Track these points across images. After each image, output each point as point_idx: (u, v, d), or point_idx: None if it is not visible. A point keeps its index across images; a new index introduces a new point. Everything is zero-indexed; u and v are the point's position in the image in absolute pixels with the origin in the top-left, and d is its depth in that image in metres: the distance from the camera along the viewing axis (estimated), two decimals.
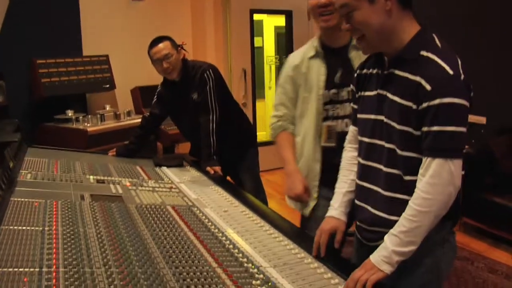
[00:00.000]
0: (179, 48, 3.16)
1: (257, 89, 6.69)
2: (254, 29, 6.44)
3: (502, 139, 4.36)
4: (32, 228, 1.66)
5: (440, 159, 1.43)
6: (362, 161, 1.71)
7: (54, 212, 1.84)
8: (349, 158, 1.83)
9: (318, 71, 2.18)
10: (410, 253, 1.46)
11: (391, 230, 1.48)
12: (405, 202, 1.50)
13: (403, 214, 1.47)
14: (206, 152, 3.02)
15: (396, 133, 1.53)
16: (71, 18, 5.19)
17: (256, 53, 6.58)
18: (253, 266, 1.55)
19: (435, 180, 1.43)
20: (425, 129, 1.45)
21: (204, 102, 3.07)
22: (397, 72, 1.53)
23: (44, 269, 1.35)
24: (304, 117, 2.24)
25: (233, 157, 3.33)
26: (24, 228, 1.65)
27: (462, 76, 1.42)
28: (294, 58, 2.29)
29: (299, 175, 2.21)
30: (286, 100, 2.32)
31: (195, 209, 2.13)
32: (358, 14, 1.50)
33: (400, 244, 1.45)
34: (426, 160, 1.45)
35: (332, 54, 2.18)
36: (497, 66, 4.50)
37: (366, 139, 1.68)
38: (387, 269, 1.45)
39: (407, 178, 1.54)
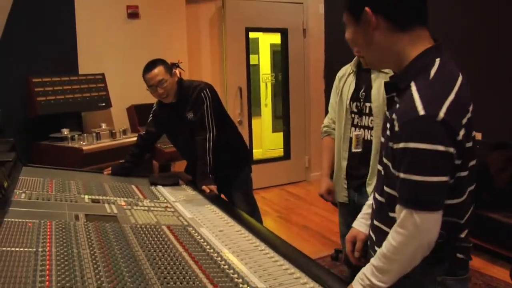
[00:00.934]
0: (174, 71, 3.16)
1: (253, 107, 6.70)
2: (250, 47, 6.47)
3: (498, 154, 4.36)
4: (25, 249, 1.64)
5: (405, 209, 1.31)
6: None
7: (48, 233, 1.82)
8: None
9: (350, 85, 2.62)
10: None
11: (371, 259, 1.44)
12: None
13: (379, 249, 1.41)
14: (202, 170, 3.01)
15: (383, 163, 1.44)
16: (67, 36, 5.20)
17: (252, 71, 6.60)
18: (248, 287, 1.54)
19: (401, 230, 1.33)
20: (395, 173, 1.34)
21: (201, 121, 3.08)
22: (396, 98, 1.43)
23: None
24: (337, 122, 2.71)
25: (227, 176, 3.32)
26: (17, 249, 1.63)
27: (441, 117, 1.24)
28: (340, 71, 2.75)
29: (326, 179, 2.84)
30: (331, 106, 2.82)
31: (191, 228, 2.12)
32: (347, 32, 1.46)
33: (373, 276, 1.38)
34: (398, 206, 1.35)
35: (362, 73, 2.58)
36: (493, 82, 4.53)
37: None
38: None
39: (391, 214, 1.43)
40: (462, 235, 1.44)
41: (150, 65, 3.09)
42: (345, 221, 2.68)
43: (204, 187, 2.88)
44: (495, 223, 3.95)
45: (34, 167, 3.14)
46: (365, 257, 1.74)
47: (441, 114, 1.24)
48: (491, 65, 4.58)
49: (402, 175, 1.30)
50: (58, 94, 4.88)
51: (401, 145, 1.28)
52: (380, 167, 1.50)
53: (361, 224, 1.78)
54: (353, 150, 2.59)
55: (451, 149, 1.26)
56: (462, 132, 1.28)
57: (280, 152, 7.09)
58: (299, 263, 1.75)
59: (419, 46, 1.38)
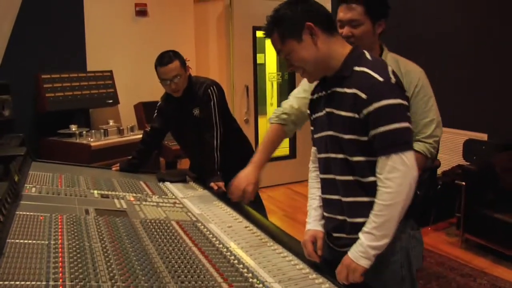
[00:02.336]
0: (187, 65, 3.16)
1: (258, 106, 6.71)
2: (257, 46, 6.48)
3: (504, 155, 4.37)
4: (38, 242, 1.67)
5: (393, 154, 1.55)
6: (321, 176, 1.84)
7: (60, 226, 1.85)
8: (314, 177, 1.94)
9: None
10: (385, 245, 1.57)
11: (364, 228, 1.60)
12: (365, 204, 1.64)
13: (372, 211, 1.59)
14: (210, 167, 3.02)
15: (345, 142, 1.65)
16: (76, 34, 5.24)
17: (258, 70, 6.61)
18: (258, 281, 1.56)
19: (393, 175, 1.55)
20: (372, 133, 1.58)
21: (208, 118, 3.09)
22: (338, 89, 1.67)
23: (51, 283, 1.36)
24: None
25: (231, 174, 3.32)
26: (30, 241, 1.65)
27: (393, 79, 1.59)
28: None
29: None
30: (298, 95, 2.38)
31: (199, 224, 2.14)
32: (293, 55, 1.68)
33: (374, 239, 1.56)
34: (380, 159, 1.58)
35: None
36: (498, 83, 4.53)
37: (322, 155, 1.80)
38: (365, 263, 1.57)
39: (365, 180, 1.65)
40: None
41: (166, 59, 3.05)
42: None
43: (212, 184, 2.89)
44: (500, 223, 3.96)
45: (43, 162, 3.16)
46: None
47: (391, 77, 1.60)
48: (497, 66, 4.59)
49: (381, 129, 1.56)
50: (67, 91, 4.92)
51: (374, 105, 1.56)
52: (333, 154, 1.73)
53: (316, 225, 1.86)
54: None
55: (406, 103, 1.61)
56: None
57: (286, 150, 7.09)
58: (307, 258, 1.77)
59: (345, 46, 1.72)
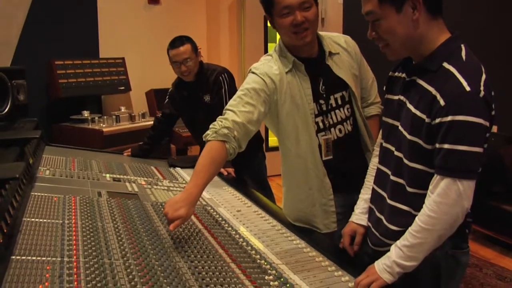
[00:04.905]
0: (199, 50, 3.20)
1: None
2: (268, 36, 6.48)
3: None
4: (53, 221, 1.72)
5: (448, 178, 1.39)
6: (378, 165, 1.74)
7: (73, 207, 1.90)
8: (375, 163, 1.81)
9: (301, 84, 2.02)
10: (412, 267, 1.45)
11: (397, 242, 1.49)
12: (406, 213, 1.54)
13: (409, 228, 1.46)
14: None
15: (406, 142, 1.51)
16: (89, 21, 5.29)
17: None
18: (265, 263, 1.59)
19: (442, 199, 1.40)
20: (437, 145, 1.41)
21: (219, 105, 3.12)
22: (418, 80, 1.50)
23: (66, 259, 1.41)
24: (300, 136, 2.04)
25: (241, 160, 3.35)
26: (45, 220, 1.71)
27: (482, 93, 1.36)
28: (270, 73, 2.01)
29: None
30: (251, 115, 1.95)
31: (209, 208, 2.18)
32: (384, 23, 1.48)
33: (402, 257, 1.45)
34: (435, 178, 1.42)
35: (310, 65, 2.04)
36: (508, 75, 4.52)
37: (383, 143, 1.70)
38: (388, 278, 1.46)
39: (410, 190, 1.53)
40: (469, 211, 1.49)
41: (178, 42, 3.14)
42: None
43: (222, 169, 2.93)
44: (508, 215, 3.97)
45: (56, 146, 3.22)
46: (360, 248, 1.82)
47: (482, 91, 1.36)
48: (506, 58, 4.57)
49: (447, 146, 1.38)
50: (80, 77, 4.98)
51: (449, 118, 1.36)
52: (392, 147, 1.59)
53: (360, 218, 1.81)
54: (324, 158, 2.05)
55: (488, 124, 1.38)
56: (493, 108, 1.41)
57: None
58: (314, 242, 1.82)
59: (443, 33, 1.49)
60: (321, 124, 2.07)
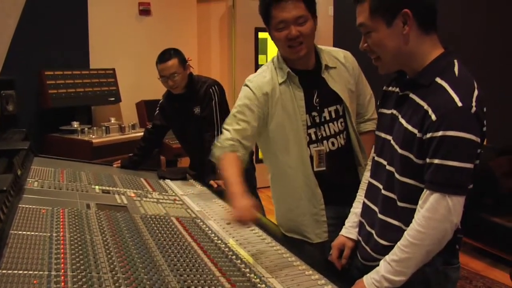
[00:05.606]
0: (187, 63, 3.21)
1: None
2: (259, 47, 6.51)
3: (503, 159, 4.40)
4: (40, 233, 1.70)
5: (438, 193, 1.38)
6: (369, 179, 1.74)
7: (61, 219, 1.88)
8: (367, 177, 1.80)
9: (295, 96, 2.07)
10: (400, 283, 1.44)
11: (386, 256, 1.48)
12: (396, 228, 1.53)
13: (398, 242, 1.46)
14: (210, 165, 3.04)
15: (397, 156, 1.51)
16: (79, 31, 5.27)
17: None
18: (255, 276, 1.59)
19: (431, 215, 1.39)
20: (427, 160, 1.41)
21: (209, 117, 3.12)
22: (411, 95, 1.50)
23: (53, 273, 1.39)
24: (290, 147, 2.09)
25: None
26: (32, 233, 1.69)
27: (474, 109, 1.36)
28: (262, 85, 2.08)
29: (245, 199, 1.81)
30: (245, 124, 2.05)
31: (199, 220, 2.17)
32: (375, 36, 1.49)
33: (391, 272, 1.44)
34: (425, 193, 1.42)
35: (306, 77, 2.09)
36: (498, 87, 4.56)
37: (375, 157, 1.70)
38: None
39: (401, 204, 1.53)
40: (460, 227, 1.50)
41: (166, 56, 3.15)
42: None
43: (211, 182, 2.92)
44: (498, 227, 3.99)
45: (45, 157, 3.20)
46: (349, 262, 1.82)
47: (474, 106, 1.36)
48: (496, 70, 4.61)
49: (437, 161, 1.38)
50: (70, 88, 4.95)
51: (440, 133, 1.36)
52: (384, 162, 1.59)
53: (350, 232, 1.81)
54: (316, 169, 2.09)
55: (479, 140, 1.38)
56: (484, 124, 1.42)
57: None
58: (304, 255, 1.81)
59: (436, 49, 1.50)
60: (313, 136, 2.11)
